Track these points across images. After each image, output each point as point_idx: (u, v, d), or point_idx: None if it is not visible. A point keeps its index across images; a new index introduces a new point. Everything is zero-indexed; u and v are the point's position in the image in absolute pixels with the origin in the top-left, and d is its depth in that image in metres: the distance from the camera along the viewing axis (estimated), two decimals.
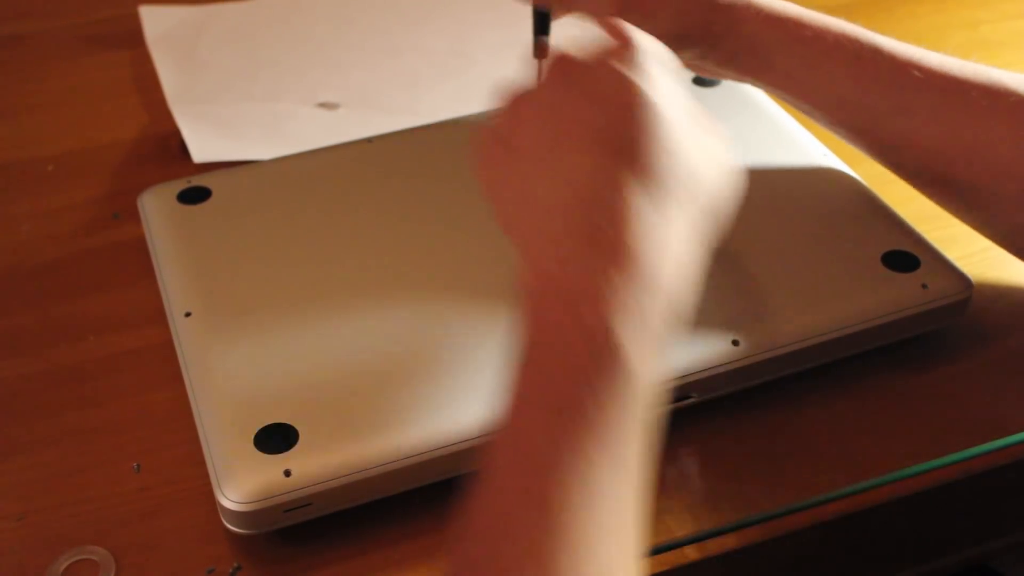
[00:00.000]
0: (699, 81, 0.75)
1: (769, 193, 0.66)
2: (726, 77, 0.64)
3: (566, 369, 0.38)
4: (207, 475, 0.52)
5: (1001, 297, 0.65)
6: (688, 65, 0.63)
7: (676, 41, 0.54)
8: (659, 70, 0.45)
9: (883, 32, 0.60)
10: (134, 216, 0.68)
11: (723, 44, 0.60)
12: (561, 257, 0.41)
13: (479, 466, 0.38)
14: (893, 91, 0.58)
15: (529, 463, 0.37)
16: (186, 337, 0.58)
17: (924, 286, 0.59)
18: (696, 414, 0.57)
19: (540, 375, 0.39)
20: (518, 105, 0.47)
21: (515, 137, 0.46)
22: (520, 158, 0.45)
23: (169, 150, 0.78)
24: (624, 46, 0.46)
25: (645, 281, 0.40)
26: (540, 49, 0.61)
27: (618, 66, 0.44)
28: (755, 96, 0.74)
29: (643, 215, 0.41)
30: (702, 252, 0.44)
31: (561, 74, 0.46)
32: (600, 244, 0.40)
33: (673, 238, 0.42)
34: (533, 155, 0.44)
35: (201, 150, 0.76)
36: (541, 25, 0.62)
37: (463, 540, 0.37)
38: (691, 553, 0.52)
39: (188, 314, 0.59)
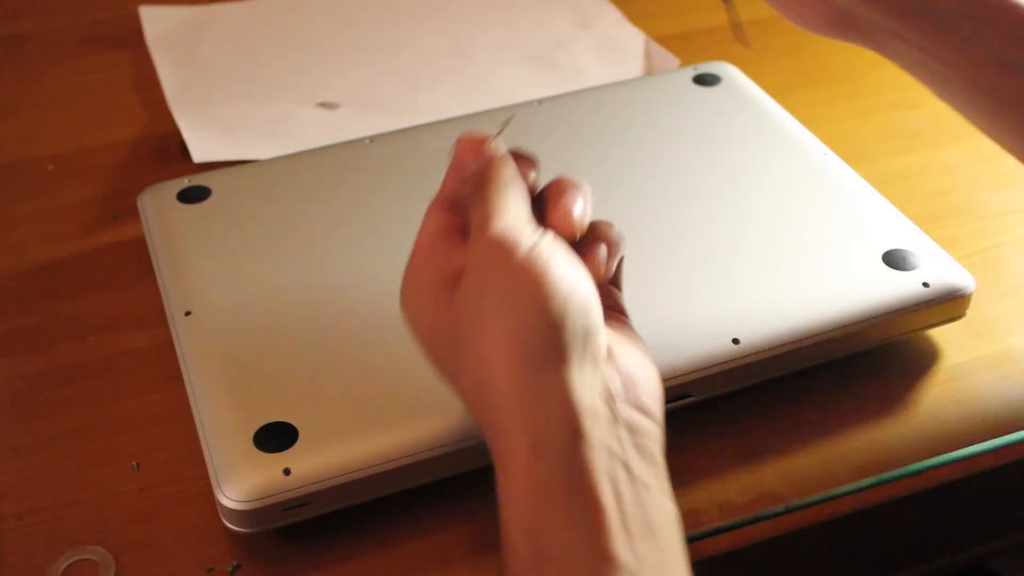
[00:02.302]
0: (699, 80, 0.75)
1: (769, 192, 0.66)
2: (856, 34, 0.53)
3: None
4: (207, 474, 0.52)
5: (1002, 296, 0.65)
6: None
7: None
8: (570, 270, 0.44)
9: None
10: (134, 216, 0.68)
11: None
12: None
13: None
14: None
15: None
16: (186, 336, 0.58)
17: (925, 284, 0.59)
18: (696, 413, 0.57)
19: None
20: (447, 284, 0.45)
21: (453, 308, 0.45)
22: (457, 320, 0.44)
23: (169, 150, 0.78)
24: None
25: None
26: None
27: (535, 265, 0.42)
28: (755, 95, 0.74)
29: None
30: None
31: (480, 273, 0.44)
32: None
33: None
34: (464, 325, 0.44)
35: (201, 150, 0.76)
36: None
37: None
38: (691, 552, 0.51)
39: (188, 313, 0.59)
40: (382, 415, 0.53)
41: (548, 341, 0.41)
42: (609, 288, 0.49)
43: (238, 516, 0.50)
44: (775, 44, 0.87)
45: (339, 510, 0.52)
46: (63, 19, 0.94)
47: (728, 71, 0.76)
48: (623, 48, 0.87)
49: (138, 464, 0.56)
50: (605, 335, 0.44)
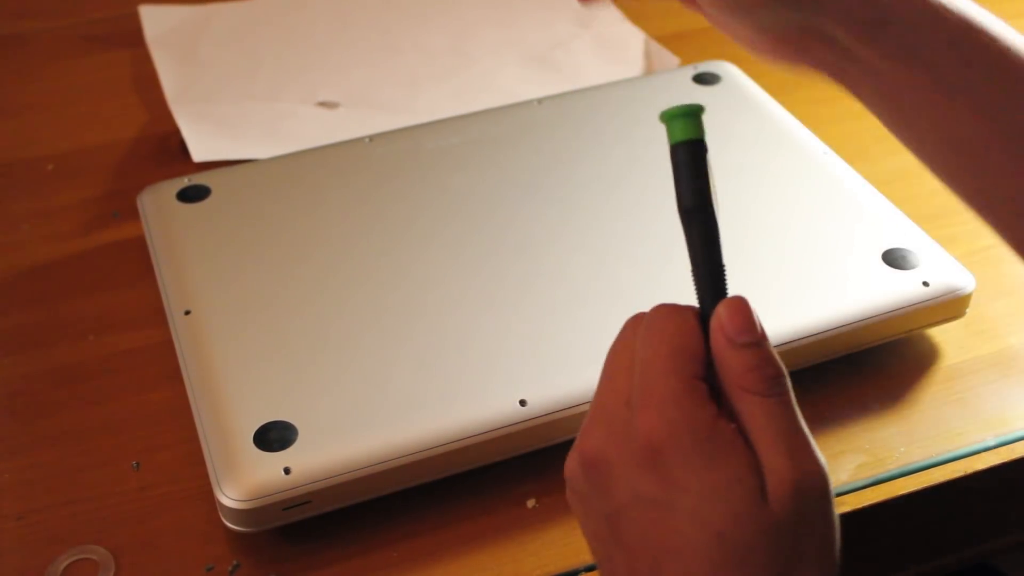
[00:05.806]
0: (699, 79, 0.75)
1: (769, 191, 0.66)
2: (807, 63, 0.49)
3: None
4: (207, 474, 0.52)
5: (1001, 296, 0.65)
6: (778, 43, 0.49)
7: None
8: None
9: None
10: (134, 215, 0.68)
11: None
12: None
13: None
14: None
15: None
16: (186, 335, 0.58)
17: (925, 283, 0.59)
18: None
19: None
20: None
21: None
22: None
23: (169, 149, 0.78)
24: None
25: None
26: None
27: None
28: (755, 95, 0.74)
29: None
30: None
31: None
32: None
33: None
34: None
35: (201, 149, 0.76)
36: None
37: None
38: None
39: (188, 312, 0.59)
40: (382, 414, 0.53)
41: None
42: None
43: (238, 515, 0.50)
44: None
45: (339, 509, 0.52)
46: (63, 19, 0.94)
47: (728, 70, 0.76)
48: (623, 47, 0.87)
49: (138, 463, 0.56)
50: None
